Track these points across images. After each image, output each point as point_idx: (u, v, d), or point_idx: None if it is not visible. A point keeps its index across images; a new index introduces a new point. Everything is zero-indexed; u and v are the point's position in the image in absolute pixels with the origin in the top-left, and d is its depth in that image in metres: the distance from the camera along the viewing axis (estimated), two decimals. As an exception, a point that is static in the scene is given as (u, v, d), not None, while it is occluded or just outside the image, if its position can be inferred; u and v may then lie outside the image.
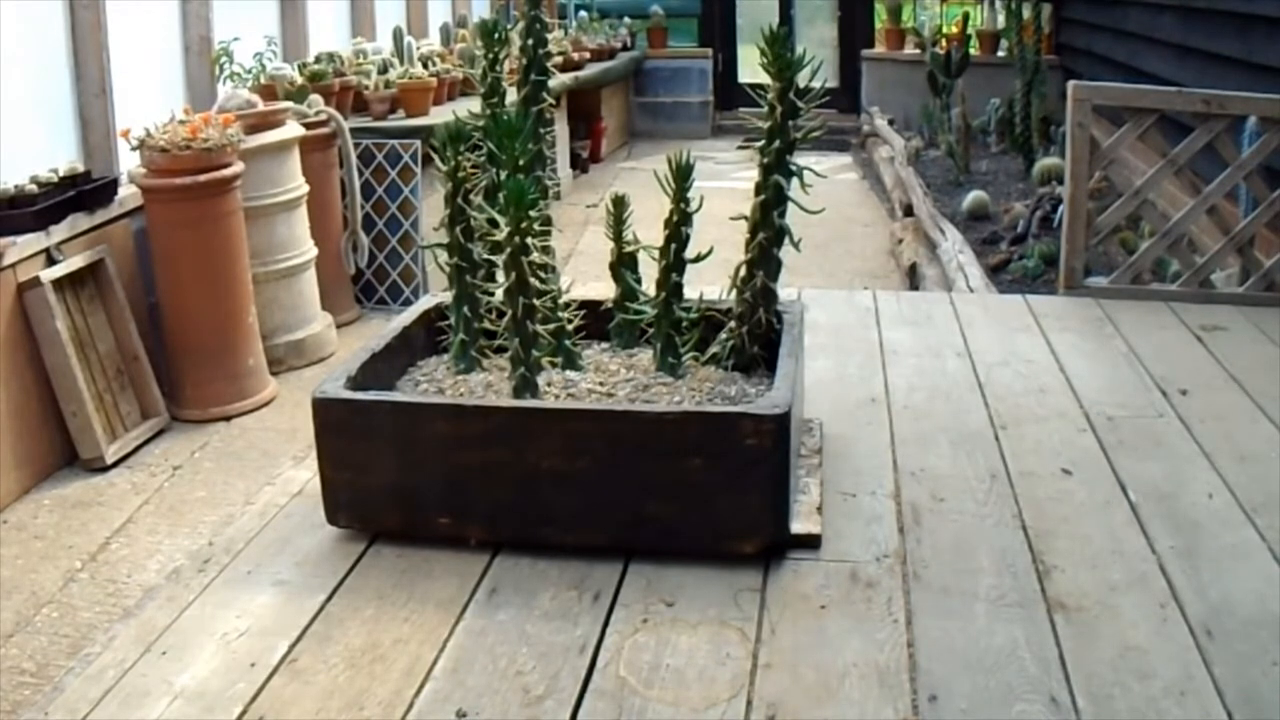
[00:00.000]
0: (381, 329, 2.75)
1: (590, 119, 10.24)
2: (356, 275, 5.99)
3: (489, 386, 2.55)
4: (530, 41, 2.74)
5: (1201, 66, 5.98)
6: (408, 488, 2.34)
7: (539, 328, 2.42)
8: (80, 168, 4.50)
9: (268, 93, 5.50)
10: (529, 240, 2.32)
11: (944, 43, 10.28)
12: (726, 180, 8.18)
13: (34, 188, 4.21)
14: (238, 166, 4.65)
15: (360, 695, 1.91)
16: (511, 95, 2.79)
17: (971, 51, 9.98)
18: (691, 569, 2.25)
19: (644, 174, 7.90)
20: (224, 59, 5.60)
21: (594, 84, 9.83)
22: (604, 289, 2.90)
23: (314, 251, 5.36)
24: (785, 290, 2.84)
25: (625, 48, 11.05)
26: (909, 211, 7.46)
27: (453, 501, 2.33)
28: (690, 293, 2.63)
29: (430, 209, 5.85)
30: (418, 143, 5.93)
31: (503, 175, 2.51)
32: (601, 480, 2.26)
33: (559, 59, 7.76)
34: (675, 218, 2.53)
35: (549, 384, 2.51)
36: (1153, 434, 2.92)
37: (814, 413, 2.90)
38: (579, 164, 9.77)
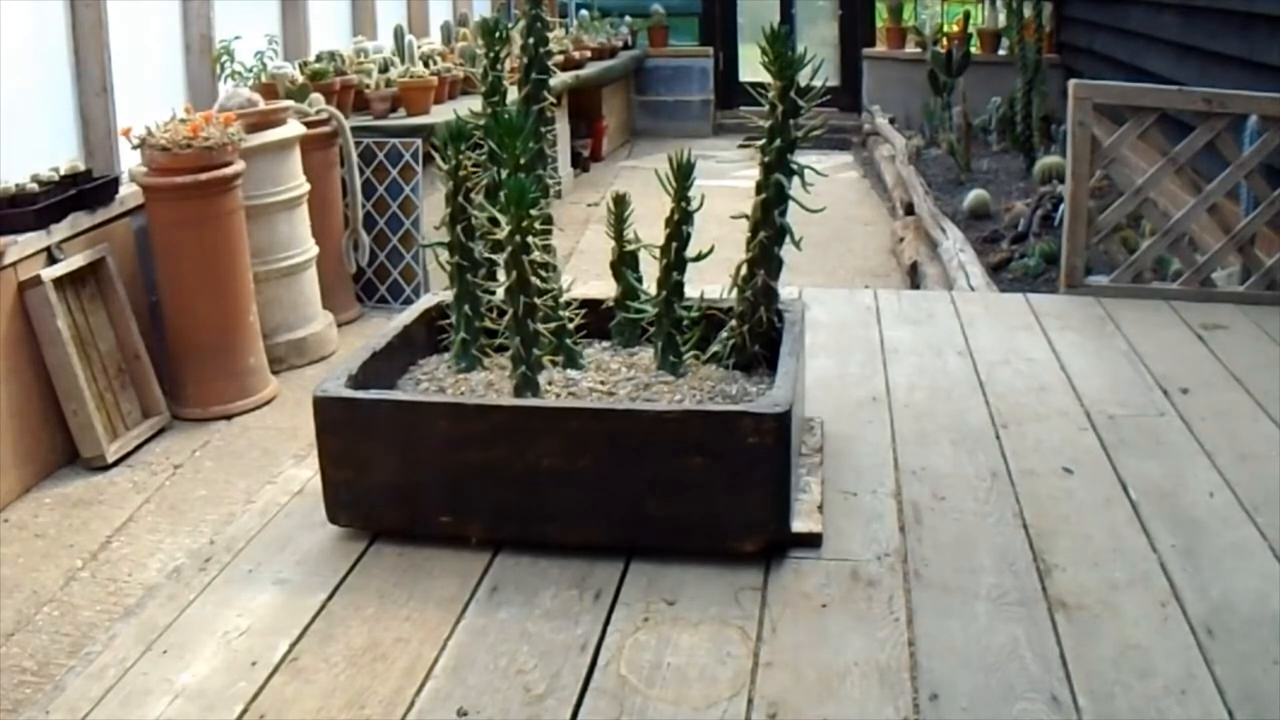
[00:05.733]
0: (382, 328, 2.75)
1: (591, 118, 10.23)
2: (357, 274, 5.99)
3: (490, 385, 2.55)
4: (531, 40, 2.74)
5: (1202, 65, 5.97)
6: (409, 486, 2.35)
7: (540, 326, 2.42)
8: (81, 166, 4.50)
9: (269, 91, 5.50)
10: (530, 239, 2.32)
11: (945, 41, 10.27)
12: (728, 179, 8.17)
13: (35, 186, 4.21)
14: (239, 165, 4.65)
15: (361, 694, 1.91)
16: (512, 94, 2.79)
17: (972, 50, 9.98)
18: (692, 568, 2.25)
19: (645, 173, 7.90)
20: (225, 58, 5.60)
21: (595, 83, 9.83)
22: (605, 288, 2.90)
23: (315, 250, 5.36)
24: (786, 289, 2.85)
25: (626, 46, 11.04)
26: (910, 210, 7.46)
27: (454, 500, 2.33)
28: (691, 291, 2.63)
29: (431, 207, 5.85)
30: (419, 141, 5.92)
31: (504, 174, 2.51)
32: (602, 479, 2.26)
33: (560, 57, 7.75)
34: (676, 216, 2.53)
35: (550, 383, 2.51)
36: (1154, 432, 2.92)
37: (815, 411, 2.90)
38: (580, 163, 9.77)
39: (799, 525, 2.34)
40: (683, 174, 2.48)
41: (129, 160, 4.77)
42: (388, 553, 2.35)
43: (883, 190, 8.88)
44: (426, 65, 6.87)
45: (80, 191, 4.36)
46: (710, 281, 2.81)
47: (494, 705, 1.88)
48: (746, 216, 2.52)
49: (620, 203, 2.63)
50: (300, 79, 5.75)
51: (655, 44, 11.86)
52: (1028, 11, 8.84)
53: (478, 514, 2.33)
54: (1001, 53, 10.05)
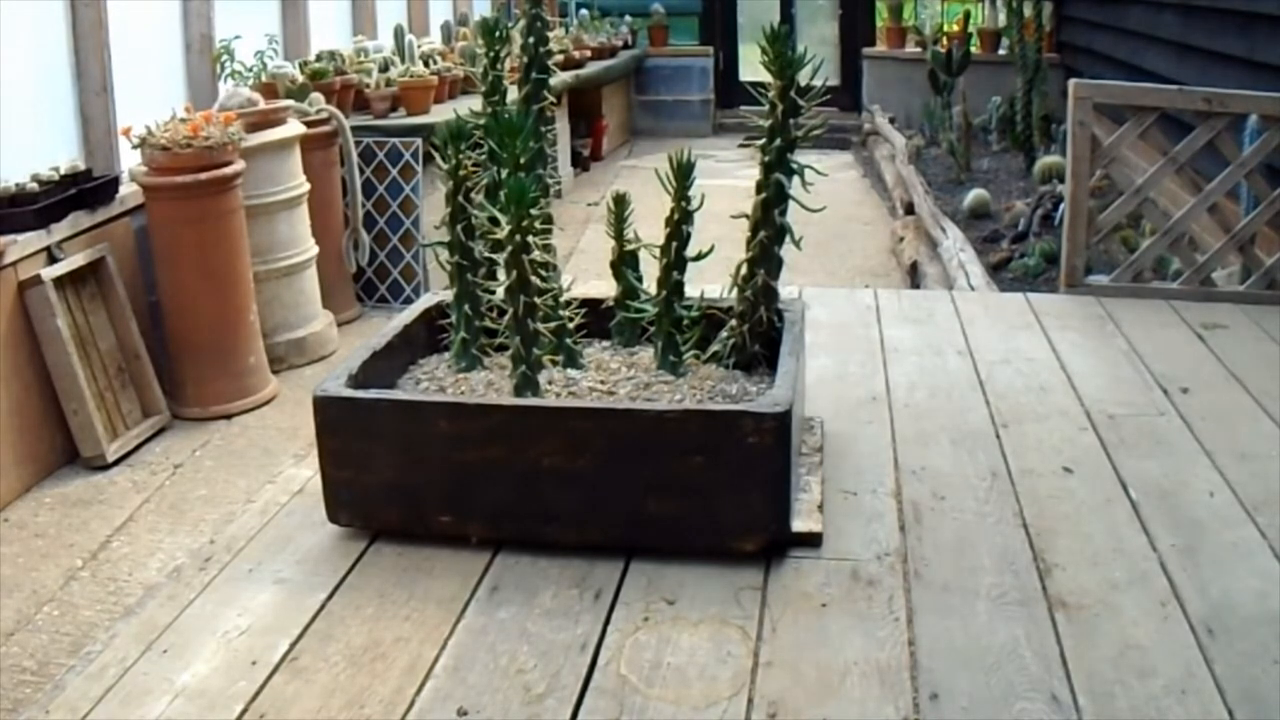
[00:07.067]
0: (382, 327, 2.75)
1: (591, 117, 10.24)
2: (358, 273, 6.00)
3: (490, 385, 2.55)
4: (531, 40, 2.74)
5: (1202, 64, 5.97)
6: (409, 486, 2.35)
7: (540, 326, 2.42)
8: (81, 166, 4.50)
9: (269, 91, 5.50)
10: (530, 238, 2.32)
11: (945, 41, 10.28)
12: (728, 178, 8.17)
13: (35, 186, 4.21)
14: (239, 165, 4.65)
15: (361, 693, 1.91)
16: (512, 93, 2.79)
17: (972, 49, 9.98)
18: (692, 567, 2.25)
19: (645, 172, 7.90)
20: (225, 57, 5.60)
21: (595, 82, 9.83)
22: (605, 287, 2.90)
23: (315, 249, 5.36)
24: (786, 288, 2.85)
25: (626, 46, 11.04)
26: (910, 210, 7.46)
27: (454, 500, 2.33)
28: (691, 291, 2.63)
29: (431, 207, 5.85)
30: (419, 141, 5.92)
31: (504, 173, 2.51)
32: (602, 478, 2.26)
33: (560, 57, 7.75)
34: (676, 216, 2.53)
35: (550, 382, 2.51)
36: (1154, 432, 2.92)
37: (815, 411, 2.90)
38: (580, 162, 9.77)
39: (799, 525, 2.34)
40: (683, 173, 2.48)
41: (129, 160, 4.77)
42: (388, 552, 2.35)
43: (883, 190, 8.88)
44: (426, 65, 6.87)
45: (80, 191, 4.36)
46: (710, 281, 2.81)
47: (494, 705, 1.88)
48: (746, 216, 2.52)
49: (620, 202, 2.62)
50: (300, 78, 5.75)
51: (655, 43, 11.87)
52: (1028, 11, 8.85)
53: (478, 514, 2.33)
54: (1001, 52, 10.06)
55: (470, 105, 3.00)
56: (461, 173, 2.57)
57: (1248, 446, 2.82)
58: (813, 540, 2.34)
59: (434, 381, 2.61)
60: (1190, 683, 1.92)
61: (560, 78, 7.43)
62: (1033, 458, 2.76)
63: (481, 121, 2.64)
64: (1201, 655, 1.99)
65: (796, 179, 2.46)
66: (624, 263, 2.66)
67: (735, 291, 2.58)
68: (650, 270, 2.63)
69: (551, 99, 2.81)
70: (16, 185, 4.15)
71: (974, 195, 7.16)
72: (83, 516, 3.88)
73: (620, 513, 2.28)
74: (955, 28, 10.90)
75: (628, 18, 11.38)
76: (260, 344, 4.86)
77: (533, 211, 2.30)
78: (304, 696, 1.91)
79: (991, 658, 1.99)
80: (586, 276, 4.42)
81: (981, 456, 2.78)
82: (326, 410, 2.35)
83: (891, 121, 10.24)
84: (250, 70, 5.71)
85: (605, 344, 2.77)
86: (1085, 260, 4.19)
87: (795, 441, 2.36)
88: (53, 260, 4.21)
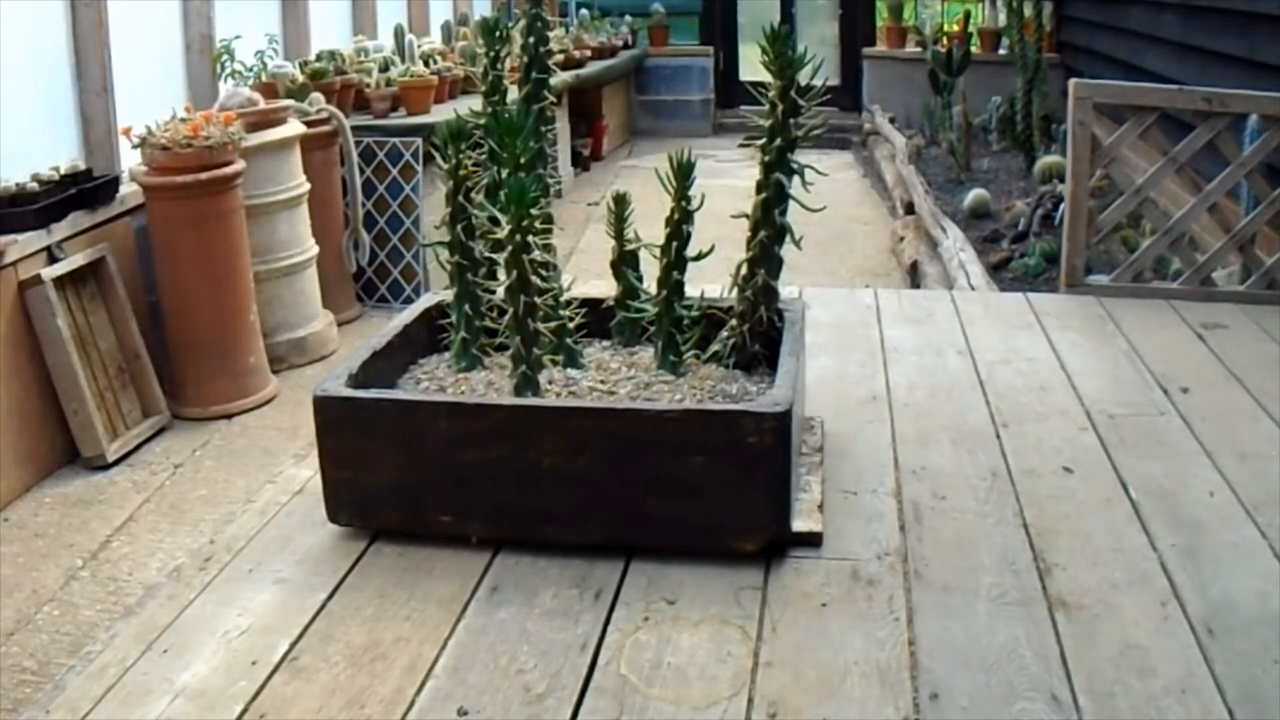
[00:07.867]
0: (383, 327, 2.75)
1: (591, 117, 10.23)
2: (358, 273, 5.99)
3: (490, 384, 2.55)
4: (531, 39, 2.74)
5: (1203, 64, 5.97)
6: (409, 486, 2.35)
7: (540, 326, 2.42)
8: (81, 165, 4.50)
9: (269, 91, 5.50)
10: (530, 238, 2.32)
11: (945, 41, 10.28)
12: (728, 178, 8.17)
13: (35, 185, 4.21)
14: (239, 164, 4.65)
15: (361, 693, 1.92)
16: (513, 93, 2.79)
17: (973, 49, 9.98)
18: (693, 567, 2.25)
19: (645, 172, 7.90)
20: (225, 57, 5.60)
21: (595, 82, 9.83)
22: (605, 287, 2.90)
23: (315, 249, 5.36)
24: (786, 288, 2.84)
25: (626, 46, 11.04)
26: (910, 209, 7.46)
27: (454, 499, 2.33)
28: (691, 291, 2.63)
29: (431, 207, 5.85)
30: (419, 141, 5.92)
31: (504, 173, 2.51)
32: (603, 478, 2.26)
33: (560, 57, 7.74)
34: (676, 216, 2.53)
35: (550, 382, 2.51)
36: (1154, 432, 2.92)
37: (815, 411, 2.90)
38: (580, 162, 9.77)
39: (799, 524, 2.34)
40: (683, 173, 2.48)
41: (129, 159, 4.77)
42: (388, 552, 2.35)
43: (883, 190, 8.88)
44: (427, 65, 6.87)
45: (80, 191, 4.36)
46: (710, 281, 2.81)
47: (494, 705, 1.88)
48: (747, 216, 2.52)
49: (620, 202, 2.62)
50: (300, 78, 5.75)
51: (655, 43, 11.87)
52: (1028, 11, 8.84)
53: (478, 513, 2.33)
54: (1001, 52, 10.06)
55: (470, 105, 3.00)
56: (461, 173, 2.57)
57: (1248, 446, 2.82)
58: (813, 540, 2.34)
59: (434, 381, 2.61)
60: (1190, 683, 1.92)
61: (560, 77, 7.42)
62: (1033, 458, 2.77)
63: (481, 121, 2.64)
64: (1201, 655, 1.99)
65: (796, 179, 2.46)
66: (624, 263, 2.66)
67: (735, 291, 2.58)
68: (650, 270, 2.63)
69: (551, 99, 2.81)
70: (16, 185, 4.15)
71: (974, 195, 7.16)
72: (83, 516, 3.88)
73: (620, 513, 2.28)
74: (955, 28, 10.90)
75: (628, 17, 11.37)
76: (260, 344, 4.86)
77: (533, 211, 2.30)
78: (304, 696, 1.91)
79: (991, 658, 1.99)
80: (586, 276, 4.42)
81: (981, 456, 2.78)
82: (326, 410, 2.35)
83: (891, 121, 10.23)
84: (250, 70, 5.71)
85: (605, 344, 2.77)
86: (1085, 260, 4.19)
87: (795, 441, 2.36)
88: (53, 260, 4.21)
